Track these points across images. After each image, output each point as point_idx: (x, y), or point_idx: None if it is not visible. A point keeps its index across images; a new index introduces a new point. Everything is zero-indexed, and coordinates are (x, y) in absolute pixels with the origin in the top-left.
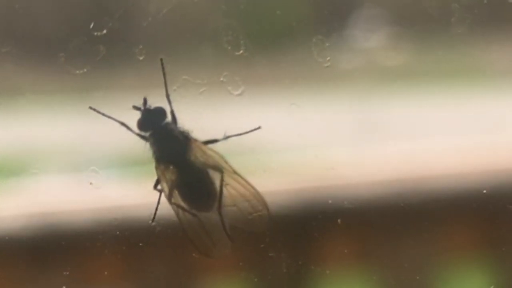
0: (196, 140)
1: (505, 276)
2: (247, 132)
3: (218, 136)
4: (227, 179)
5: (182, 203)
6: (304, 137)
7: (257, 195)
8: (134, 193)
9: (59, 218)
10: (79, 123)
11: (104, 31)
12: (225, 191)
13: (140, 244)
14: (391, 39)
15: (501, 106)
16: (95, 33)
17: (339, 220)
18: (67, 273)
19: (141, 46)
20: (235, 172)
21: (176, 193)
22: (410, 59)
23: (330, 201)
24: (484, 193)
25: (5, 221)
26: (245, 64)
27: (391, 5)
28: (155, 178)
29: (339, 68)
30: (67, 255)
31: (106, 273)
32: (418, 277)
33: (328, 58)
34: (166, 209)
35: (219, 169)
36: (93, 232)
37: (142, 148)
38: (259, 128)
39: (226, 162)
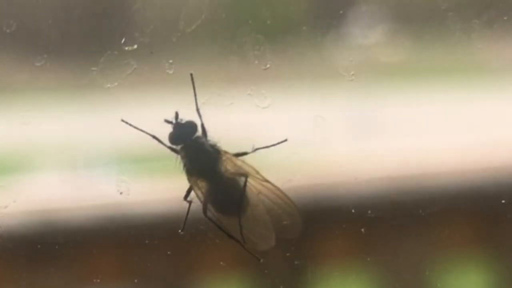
0: (226, 153)
1: (505, 274)
2: (274, 145)
3: (246, 148)
4: (258, 187)
5: (215, 214)
6: (306, 134)
7: (290, 202)
8: (133, 190)
9: (57, 215)
10: (77, 121)
11: (135, 46)
12: (257, 199)
13: (139, 242)
14: (390, 36)
15: (501, 103)
16: (126, 48)
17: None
18: (65, 270)
19: (171, 61)
20: (266, 180)
21: (209, 205)
22: (409, 56)
23: (332, 199)
24: (487, 192)
25: (3, 218)
26: (271, 78)
27: (390, 2)
28: (153, 175)
29: (337, 65)
30: (65, 252)
31: (104, 270)
32: (418, 274)
33: (353, 72)
34: (164, 208)
35: (245, 175)
36: (91, 229)
37: (141, 146)
38: (285, 140)
39: (257, 172)
